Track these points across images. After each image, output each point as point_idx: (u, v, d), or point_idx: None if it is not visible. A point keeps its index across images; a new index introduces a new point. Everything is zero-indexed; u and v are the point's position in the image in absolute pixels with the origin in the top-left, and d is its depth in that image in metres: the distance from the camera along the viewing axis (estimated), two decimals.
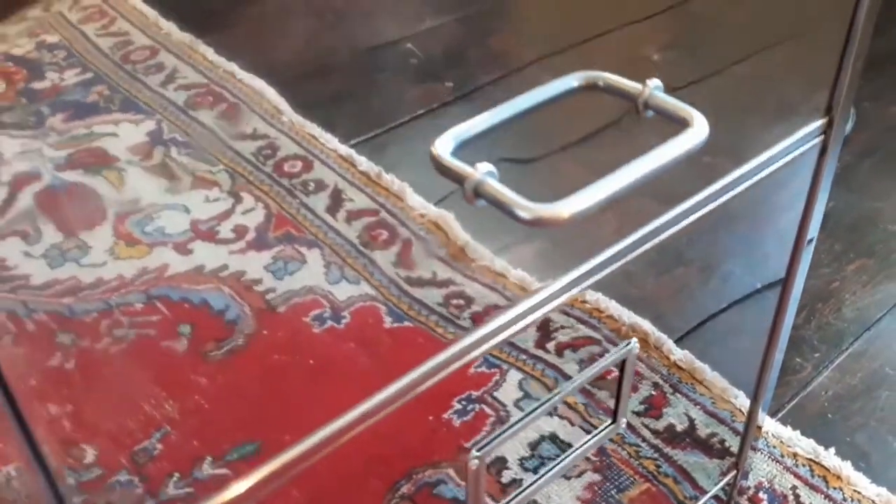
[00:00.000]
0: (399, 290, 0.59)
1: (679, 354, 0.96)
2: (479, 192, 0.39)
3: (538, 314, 0.48)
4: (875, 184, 1.36)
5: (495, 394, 0.72)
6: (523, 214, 0.38)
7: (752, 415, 0.82)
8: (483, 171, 0.39)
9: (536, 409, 0.53)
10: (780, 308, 0.75)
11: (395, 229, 0.59)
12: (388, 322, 0.59)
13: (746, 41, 0.69)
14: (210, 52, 0.56)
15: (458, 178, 0.39)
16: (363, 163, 0.61)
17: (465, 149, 0.42)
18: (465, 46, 0.54)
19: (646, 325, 0.92)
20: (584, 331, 0.81)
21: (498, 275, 0.62)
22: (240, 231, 0.57)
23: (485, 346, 0.46)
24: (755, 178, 0.58)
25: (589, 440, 0.58)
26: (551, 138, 0.59)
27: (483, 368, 0.72)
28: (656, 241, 0.53)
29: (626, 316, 0.86)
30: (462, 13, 0.52)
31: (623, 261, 0.51)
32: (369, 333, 0.58)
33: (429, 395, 0.56)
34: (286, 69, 0.50)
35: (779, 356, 0.79)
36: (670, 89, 0.52)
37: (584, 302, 0.84)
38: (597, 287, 0.52)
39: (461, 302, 0.60)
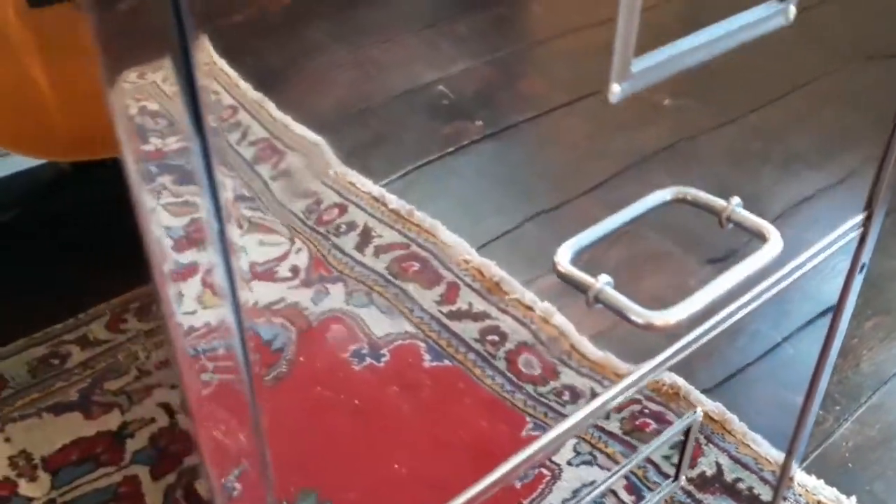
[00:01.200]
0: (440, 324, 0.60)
1: (711, 406, 1.03)
2: (598, 299, 0.47)
3: (621, 398, 0.55)
4: (893, 242, 1.44)
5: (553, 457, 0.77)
6: (638, 320, 0.45)
7: (785, 466, 0.89)
8: (603, 282, 0.47)
9: (609, 478, 0.60)
10: (815, 374, 0.82)
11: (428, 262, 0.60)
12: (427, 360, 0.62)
13: (759, 90, 0.75)
14: (272, 107, 0.59)
15: (580, 287, 0.47)
16: (393, 201, 0.61)
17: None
18: (495, 87, 0.56)
19: (679, 380, 0.98)
20: None
21: (527, 308, 0.66)
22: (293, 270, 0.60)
23: (572, 432, 0.54)
24: (801, 272, 0.66)
25: (656, 496, 0.65)
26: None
27: (538, 431, 0.76)
28: (722, 327, 0.61)
29: (666, 375, 0.93)
30: (491, 56, 0.55)
31: (697, 345, 0.58)
32: (410, 374, 0.60)
33: (488, 458, 0.63)
34: (329, 118, 0.54)
35: (811, 419, 0.87)
36: (687, 138, 0.58)
37: None
38: None
39: (496, 338, 0.64)
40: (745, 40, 0.50)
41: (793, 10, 0.51)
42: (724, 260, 0.63)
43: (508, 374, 0.60)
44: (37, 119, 0.97)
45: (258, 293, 0.50)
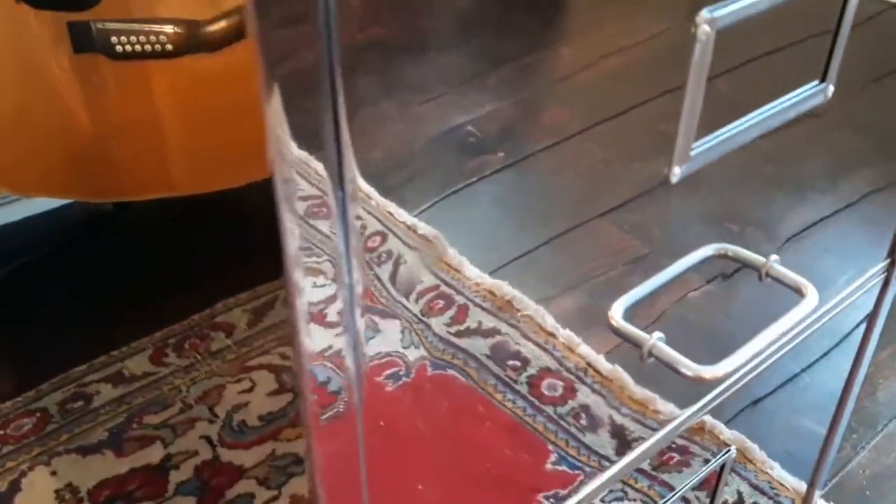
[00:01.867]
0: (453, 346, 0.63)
1: (730, 434, 1.06)
2: (651, 353, 0.52)
3: (666, 442, 0.60)
4: None
5: None
6: (688, 373, 0.50)
7: (808, 496, 0.93)
8: (656, 338, 0.52)
9: None
10: (839, 408, 0.86)
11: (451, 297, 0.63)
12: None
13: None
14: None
15: (634, 342, 0.52)
16: (422, 227, 0.63)
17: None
18: (518, 123, 0.61)
19: (706, 416, 1.01)
20: None
21: (549, 334, 0.70)
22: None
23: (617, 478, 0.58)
24: (826, 318, 0.70)
25: None
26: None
27: (565, 468, 0.79)
28: (756, 372, 0.65)
29: None
30: (517, 98, 0.60)
31: (733, 389, 0.63)
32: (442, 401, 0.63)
33: (516, 491, 0.66)
34: (376, 164, 0.59)
35: (833, 449, 0.90)
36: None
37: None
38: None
39: (517, 363, 0.67)
40: (788, 119, 0.55)
41: (831, 88, 0.57)
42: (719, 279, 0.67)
43: (530, 398, 0.64)
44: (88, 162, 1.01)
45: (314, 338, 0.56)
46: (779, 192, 0.73)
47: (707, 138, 0.52)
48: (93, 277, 1.40)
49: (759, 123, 0.53)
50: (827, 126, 0.72)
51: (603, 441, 0.74)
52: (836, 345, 0.94)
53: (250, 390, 1.22)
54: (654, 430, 0.71)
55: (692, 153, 0.51)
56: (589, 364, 0.67)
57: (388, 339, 0.58)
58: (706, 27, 0.48)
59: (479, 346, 0.63)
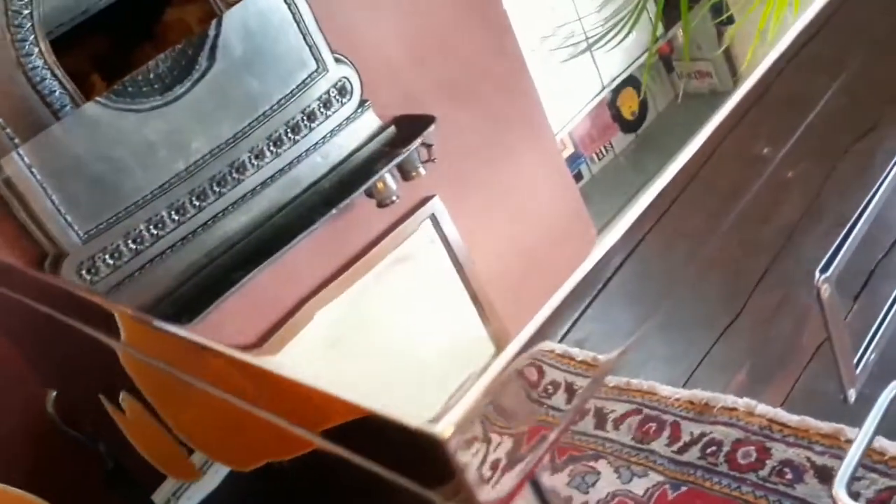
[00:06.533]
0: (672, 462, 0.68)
1: None
2: None
3: None
4: None
5: None
6: None
7: None
8: None
9: None
10: None
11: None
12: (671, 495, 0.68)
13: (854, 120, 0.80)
14: None
15: None
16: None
17: None
18: None
19: None
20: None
21: (730, 410, 0.70)
22: None
23: None
24: None
25: None
26: None
27: None
28: None
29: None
30: None
31: None
32: None
33: None
34: None
35: None
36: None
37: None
38: None
39: (714, 448, 0.68)
40: None
41: None
42: None
43: (731, 473, 0.65)
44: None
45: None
46: None
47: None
48: None
49: None
50: None
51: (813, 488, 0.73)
52: None
53: None
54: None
55: (856, 373, 0.57)
56: (771, 420, 0.67)
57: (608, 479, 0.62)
58: (826, 287, 0.51)
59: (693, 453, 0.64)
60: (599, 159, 1.78)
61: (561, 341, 0.70)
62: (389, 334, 0.88)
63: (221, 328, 1.03)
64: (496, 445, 0.56)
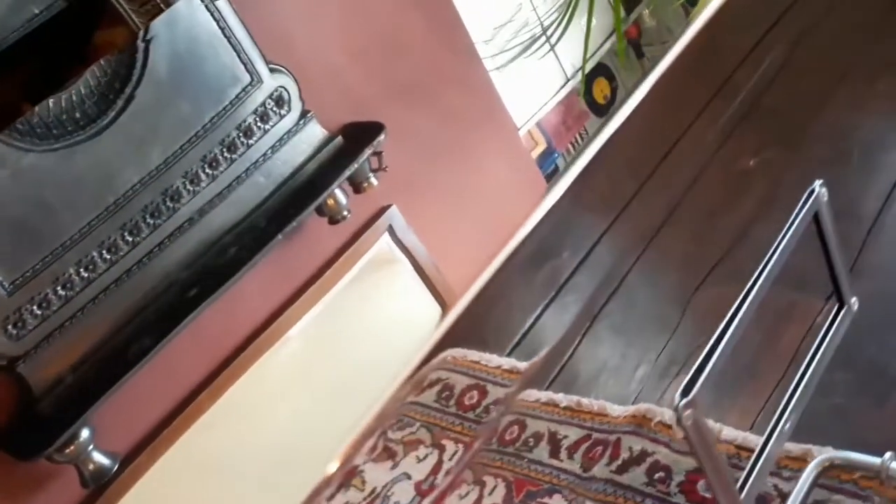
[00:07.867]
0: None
1: None
2: None
3: None
4: None
5: None
6: None
7: None
8: None
9: None
10: None
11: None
12: None
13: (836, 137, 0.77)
14: None
15: None
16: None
17: None
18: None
19: None
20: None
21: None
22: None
23: None
24: None
25: None
26: None
27: None
28: None
29: None
30: None
31: None
32: None
33: None
34: None
35: None
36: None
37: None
38: None
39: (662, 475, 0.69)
40: None
41: None
42: None
43: None
44: None
45: None
46: None
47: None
48: None
49: None
50: None
51: None
52: None
53: None
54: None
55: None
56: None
57: None
58: (689, 412, 0.46)
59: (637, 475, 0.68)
60: (575, 149, 1.71)
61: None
62: None
63: (171, 369, 0.96)
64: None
